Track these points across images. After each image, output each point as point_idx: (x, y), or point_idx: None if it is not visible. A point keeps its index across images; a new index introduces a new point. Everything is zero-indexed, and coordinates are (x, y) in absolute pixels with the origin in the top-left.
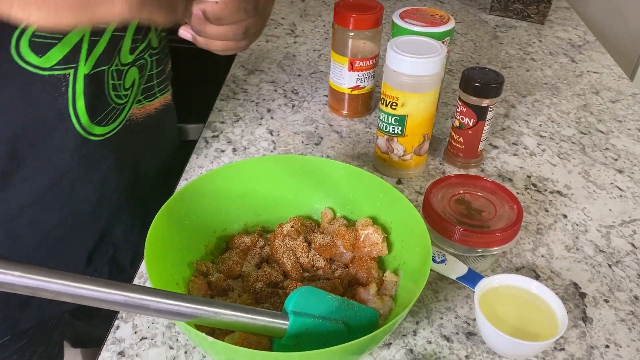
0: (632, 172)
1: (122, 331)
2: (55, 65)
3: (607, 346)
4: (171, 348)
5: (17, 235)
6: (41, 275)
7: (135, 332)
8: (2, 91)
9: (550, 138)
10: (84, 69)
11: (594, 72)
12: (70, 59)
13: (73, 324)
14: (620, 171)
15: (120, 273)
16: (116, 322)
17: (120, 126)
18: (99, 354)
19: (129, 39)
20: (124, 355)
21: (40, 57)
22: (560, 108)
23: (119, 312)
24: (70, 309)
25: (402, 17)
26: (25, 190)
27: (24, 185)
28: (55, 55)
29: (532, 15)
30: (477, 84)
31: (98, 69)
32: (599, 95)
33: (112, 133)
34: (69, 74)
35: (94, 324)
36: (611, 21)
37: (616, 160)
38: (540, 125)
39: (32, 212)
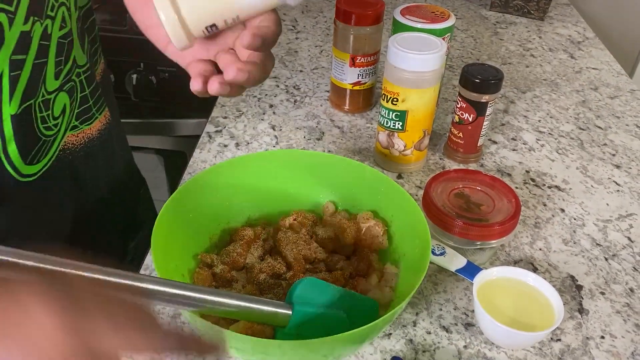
0: (630, 167)
1: None
2: None
3: (602, 337)
4: None
5: None
6: (54, 265)
7: None
8: None
9: (549, 134)
10: (9, 109)
11: (593, 69)
12: None
13: None
14: (617, 166)
15: None
16: None
17: (53, 159)
18: None
19: (52, 63)
20: None
21: None
22: (559, 104)
23: None
24: None
25: (402, 13)
26: None
27: None
28: None
29: (532, 12)
30: (477, 80)
31: (25, 105)
32: (597, 92)
33: (44, 169)
34: None
35: None
36: (611, 18)
37: (614, 155)
38: (539, 121)
39: None
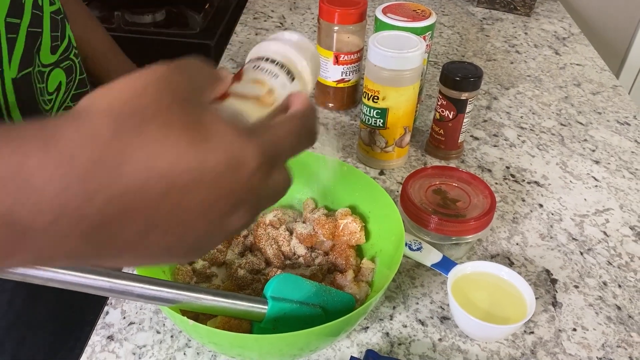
0: (609, 163)
1: (111, 316)
2: None
3: (574, 329)
4: (158, 332)
5: None
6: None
7: (124, 318)
8: None
9: (531, 130)
10: (9, 72)
11: (577, 65)
12: None
13: None
14: (597, 162)
15: None
16: (105, 308)
17: None
18: (89, 338)
19: (48, 36)
20: (113, 339)
21: None
22: (542, 100)
23: (108, 299)
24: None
25: (384, 12)
26: None
27: None
28: None
29: (519, 8)
30: (457, 78)
31: (24, 72)
32: (580, 88)
33: None
34: None
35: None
36: (599, 13)
37: (594, 151)
38: (522, 117)
39: None
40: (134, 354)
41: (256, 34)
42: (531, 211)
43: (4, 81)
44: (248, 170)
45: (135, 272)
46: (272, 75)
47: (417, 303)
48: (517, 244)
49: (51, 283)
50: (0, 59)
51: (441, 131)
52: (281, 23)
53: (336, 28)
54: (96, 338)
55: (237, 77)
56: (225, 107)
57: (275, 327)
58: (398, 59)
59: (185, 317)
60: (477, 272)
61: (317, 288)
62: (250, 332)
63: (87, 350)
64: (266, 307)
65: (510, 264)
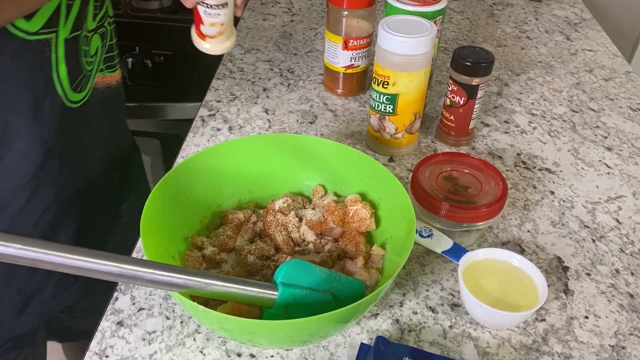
0: (621, 150)
1: (121, 302)
2: (40, 29)
3: (586, 317)
4: (167, 318)
5: (11, 222)
6: (40, 247)
7: (134, 303)
8: None
9: (542, 116)
10: (63, 32)
11: (589, 50)
12: (53, 22)
13: (55, 318)
14: (609, 149)
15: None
16: (115, 294)
17: (89, 94)
18: (98, 323)
19: (92, 5)
20: (122, 325)
21: (28, 21)
22: (553, 86)
23: (117, 284)
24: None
25: None
26: (17, 171)
27: (16, 166)
28: (40, 18)
29: None
30: (468, 63)
31: (74, 34)
32: (592, 74)
33: (84, 100)
34: (51, 38)
35: (77, 317)
36: None
37: (606, 138)
38: (533, 104)
39: (26, 195)
40: (144, 339)
41: (264, 20)
42: (542, 198)
43: (58, 39)
44: None
45: (145, 258)
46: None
47: (428, 290)
48: (528, 231)
49: (62, 268)
50: (58, 20)
51: (452, 117)
52: (289, 9)
53: (345, 13)
54: (106, 324)
55: (198, 22)
56: None
57: (285, 313)
58: (409, 43)
59: (195, 303)
60: (488, 259)
61: (327, 274)
62: (260, 318)
63: (97, 335)
64: (276, 293)
65: (522, 251)
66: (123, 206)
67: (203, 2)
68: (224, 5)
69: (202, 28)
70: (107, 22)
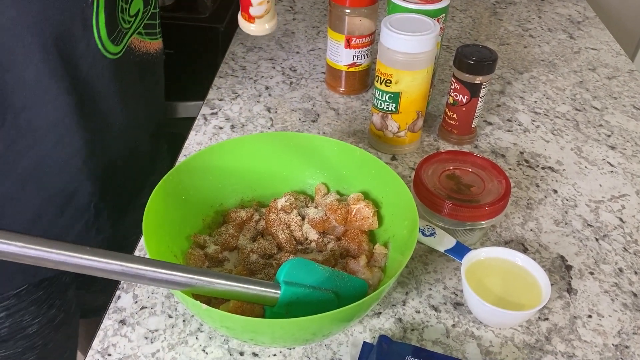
0: (624, 148)
1: (123, 300)
2: None
3: (589, 316)
4: (170, 317)
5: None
6: (43, 245)
7: (136, 302)
8: None
9: (545, 115)
10: None
11: (592, 49)
12: None
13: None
14: (612, 147)
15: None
16: (117, 292)
17: (124, 49)
18: (101, 322)
19: None
20: (125, 324)
21: None
22: (556, 85)
23: (120, 282)
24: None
25: None
26: (54, 109)
27: (51, 105)
28: None
29: None
30: (471, 62)
31: None
32: (595, 72)
33: (120, 53)
34: None
35: (95, 291)
36: None
37: (609, 136)
38: (536, 102)
39: (59, 133)
40: (146, 338)
41: None
42: (545, 197)
43: None
44: None
45: (147, 256)
46: None
47: (430, 289)
48: (531, 229)
49: (63, 267)
50: None
51: (454, 116)
52: (291, 7)
53: (348, 11)
54: (108, 322)
55: (246, 4)
56: None
57: (287, 312)
58: (412, 41)
59: (197, 302)
60: (491, 257)
61: (329, 273)
62: (263, 317)
63: (100, 334)
64: (279, 291)
65: (525, 250)
66: (146, 185)
67: None
68: None
69: (251, 9)
70: None
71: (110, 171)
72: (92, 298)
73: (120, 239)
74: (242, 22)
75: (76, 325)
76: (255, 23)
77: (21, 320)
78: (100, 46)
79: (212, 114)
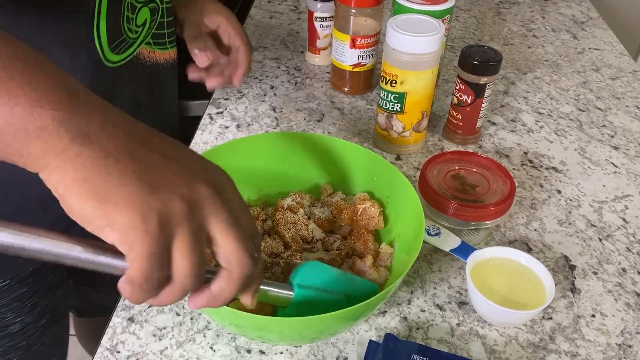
0: (628, 149)
1: None
2: None
3: (593, 315)
4: (178, 314)
5: None
6: (43, 237)
7: None
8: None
9: (549, 115)
10: None
11: (596, 49)
12: None
13: (77, 290)
14: (616, 148)
15: None
16: None
17: (129, 58)
18: (110, 319)
19: None
20: (133, 321)
21: None
22: (560, 85)
23: None
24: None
25: None
26: None
27: None
28: None
29: None
30: (475, 62)
31: None
32: (599, 72)
33: (123, 62)
34: None
35: (98, 290)
36: None
37: (612, 137)
38: (539, 102)
39: None
40: (154, 335)
41: (270, 17)
42: (549, 197)
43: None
44: None
45: None
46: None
47: (435, 288)
48: (535, 229)
49: (44, 256)
50: None
51: (459, 116)
52: (295, 7)
53: (353, 11)
54: (117, 320)
55: (313, 39)
56: None
57: (298, 312)
58: (417, 42)
59: None
60: (495, 257)
61: (342, 277)
62: (270, 314)
63: (108, 331)
64: (292, 293)
65: (529, 250)
66: None
67: (319, 18)
68: (331, 17)
69: (318, 42)
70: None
71: None
72: (95, 296)
73: None
74: (309, 56)
75: (66, 328)
76: (320, 54)
77: (3, 317)
78: (100, 55)
79: (218, 113)
